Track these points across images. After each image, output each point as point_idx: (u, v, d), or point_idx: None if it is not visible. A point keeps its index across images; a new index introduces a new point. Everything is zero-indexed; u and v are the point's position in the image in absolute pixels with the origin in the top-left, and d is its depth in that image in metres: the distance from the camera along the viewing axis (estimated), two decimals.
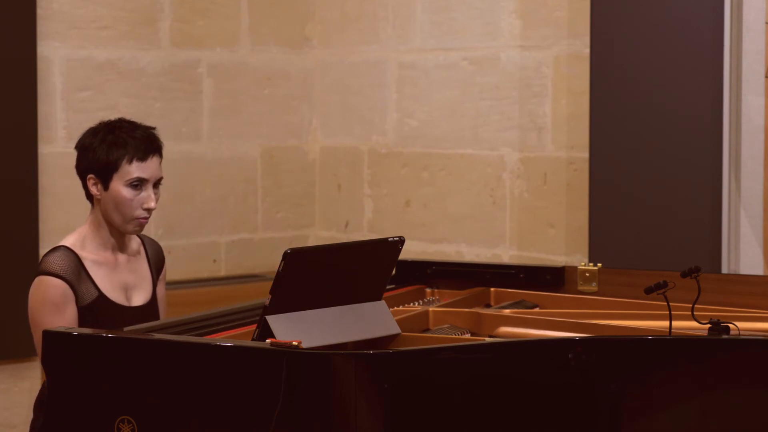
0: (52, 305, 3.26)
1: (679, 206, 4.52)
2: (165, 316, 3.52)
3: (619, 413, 2.74)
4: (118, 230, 3.38)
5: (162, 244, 3.71)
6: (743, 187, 4.36)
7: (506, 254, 5.26)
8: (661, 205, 4.56)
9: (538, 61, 5.13)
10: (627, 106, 4.62)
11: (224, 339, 2.94)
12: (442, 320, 3.37)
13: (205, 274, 5.56)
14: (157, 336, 2.85)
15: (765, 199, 4.33)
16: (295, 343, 2.58)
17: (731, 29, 4.35)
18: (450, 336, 3.23)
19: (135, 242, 3.49)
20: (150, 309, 3.44)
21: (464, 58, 5.37)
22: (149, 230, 5.20)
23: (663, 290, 2.93)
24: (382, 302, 3.10)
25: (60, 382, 2.78)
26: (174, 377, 2.70)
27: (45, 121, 5.07)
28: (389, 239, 3.06)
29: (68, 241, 3.36)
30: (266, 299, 2.86)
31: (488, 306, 3.63)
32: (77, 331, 2.90)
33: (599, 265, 3.65)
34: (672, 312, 2.94)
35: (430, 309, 3.40)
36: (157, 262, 3.53)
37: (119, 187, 3.32)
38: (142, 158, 3.32)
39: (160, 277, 3.54)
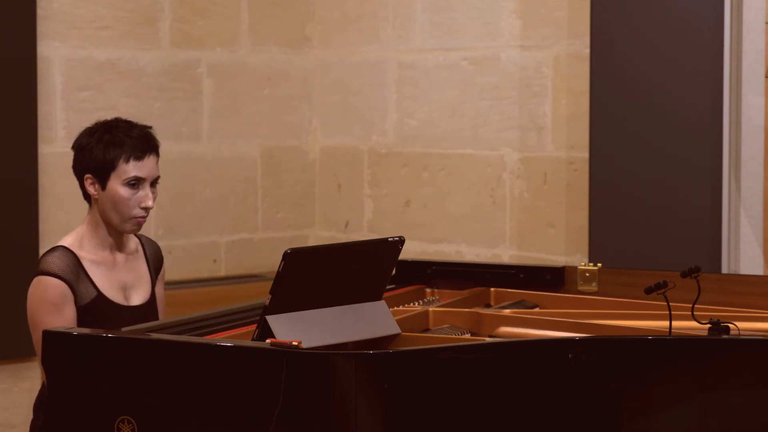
0: (50, 305, 3.26)
1: (679, 206, 4.52)
2: (164, 316, 3.52)
3: (619, 413, 2.74)
4: (116, 230, 3.38)
5: (162, 244, 3.71)
6: (743, 187, 4.36)
7: (506, 254, 5.26)
8: (661, 205, 4.56)
9: (538, 61, 5.13)
10: (627, 106, 4.62)
11: (224, 339, 2.94)
12: (442, 320, 3.37)
13: (205, 274, 5.56)
14: (157, 336, 2.85)
15: (765, 199, 4.33)
16: (295, 343, 2.58)
17: (731, 29, 4.35)
18: (450, 336, 3.23)
19: (133, 242, 3.49)
20: (149, 308, 3.44)
21: (464, 58, 5.37)
22: (149, 230, 5.21)
23: (663, 290, 2.93)
24: (382, 302, 3.10)
25: (60, 382, 2.78)
26: (174, 377, 2.70)
27: (45, 121, 5.07)
28: (389, 239, 3.06)
29: (66, 241, 3.36)
30: (266, 299, 2.86)
31: (488, 306, 3.63)
32: (77, 331, 2.89)
33: (599, 265, 3.65)
34: (672, 312, 2.94)
35: (430, 309, 3.40)
36: (155, 261, 3.53)
37: (116, 186, 3.32)
38: (139, 157, 3.32)
39: (159, 276, 3.54)
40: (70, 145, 3.41)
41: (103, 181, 3.32)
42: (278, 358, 2.57)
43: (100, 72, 5.22)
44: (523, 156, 5.21)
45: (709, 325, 2.91)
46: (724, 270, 4.36)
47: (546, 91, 5.13)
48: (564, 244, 5.09)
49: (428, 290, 3.75)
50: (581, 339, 2.83)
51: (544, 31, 5.11)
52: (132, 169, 3.32)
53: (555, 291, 3.65)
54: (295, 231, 5.85)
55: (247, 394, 2.60)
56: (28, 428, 3.47)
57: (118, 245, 3.42)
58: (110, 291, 3.36)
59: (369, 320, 3.03)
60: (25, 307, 3.32)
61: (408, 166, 5.57)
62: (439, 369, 2.65)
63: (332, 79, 5.80)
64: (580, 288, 3.64)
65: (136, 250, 3.49)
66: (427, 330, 3.33)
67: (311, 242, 5.85)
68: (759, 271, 4.33)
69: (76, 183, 3.42)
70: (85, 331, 2.93)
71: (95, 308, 3.31)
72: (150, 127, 3.41)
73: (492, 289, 3.69)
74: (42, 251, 4.85)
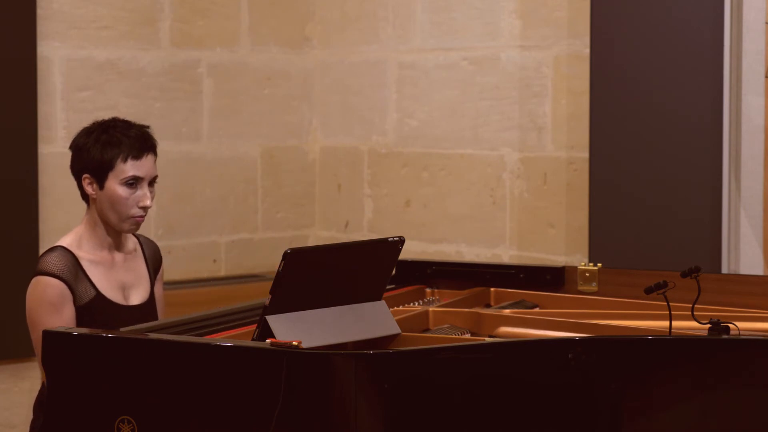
0: (49, 305, 3.26)
1: (679, 206, 4.52)
2: (163, 315, 3.52)
3: (619, 413, 2.74)
4: (114, 229, 3.38)
5: (162, 244, 3.71)
6: (743, 187, 4.36)
7: (506, 254, 5.26)
8: (661, 205, 4.56)
9: (538, 61, 5.13)
10: (627, 106, 4.62)
11: (224, 339, 2.94)
12: (442, 320, 3.37)
13: (205, 274, 5.56)
14: (157, 336, 2.85)
15: (765, 199, 4.33)
16: (295, 343, 2.58)
17: (731, 29, 4.35)
18: (450, 336, 3.23)
19: (131, 241, 3.49)
20: (148, 308, 3.44)
21: (464, 58, 5.37)
22: (149, 230, 5.21)
23: (663, 290, 2.93)
24: (382, 302, 3.09)
25: (60, 382, 2.78)
26: (174, 377, 2.70)
27: (45, 121, 5.07)
28: (389, 239, 3.06)
29: (65, 242, 3.36)
30: (266, 299, 2.86)
31: (488, 306, 3.63)
32: (77, 331, 2.89)
33: (599, 265, 3.65)
34: (672, 312, 2.94)
35: (430, 309, 3.40)
36: (154, 261, 3.53)
37: (114, 186, 3.32)
38: (137, 156, 3.32)
39: (158, 276, 3.54)
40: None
41: (101, 180, 3.32)
42: (278, 358, 2.57)
43: (100, 72, 5.22)
44: (523, 156, 5.21)
45: (709, 325, 2.91)
46: (724, 270, 4.36)
47: (546, 91, 5.13)
48: (564, 244, 5.09)
49: (428, 290, 3.75)
50: (581, 339, 2.83)
51: (544, 31, 5.11)
52: (130, 168, 3.32)
53: (555, 291, 3.65)
54: (295, 231, 5.85)
55: (247, 394, 2.60)
56: (28, 428, 3.47)
57: (117, 245, 3.42)
58: (109, 291, 3.36)
59: (369, 320, 3.03)
60: (24, 307, 3.32)
61: (408, 166, 5.57)
62: (439, 369, 2.65)
63: (332, 79, 5.80)
64: (580, 288, 3.64)
65: (135, 250, 3.49)
66: (427, 330, 3.33)
67: (311, 242, 5.85)
68: (759, 271, 4.33)
69: (75, 183, 3.42)
70: (85, 331, 2.92)
71: (94, 308, 3.31)
72: (147, 127, 3.41)
73: (492, 289, 3.69)
74: (42, 251, 4.85)
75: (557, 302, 3.59)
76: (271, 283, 2.86)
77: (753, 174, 4.35)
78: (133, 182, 3.32)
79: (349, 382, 2.55)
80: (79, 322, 3.29)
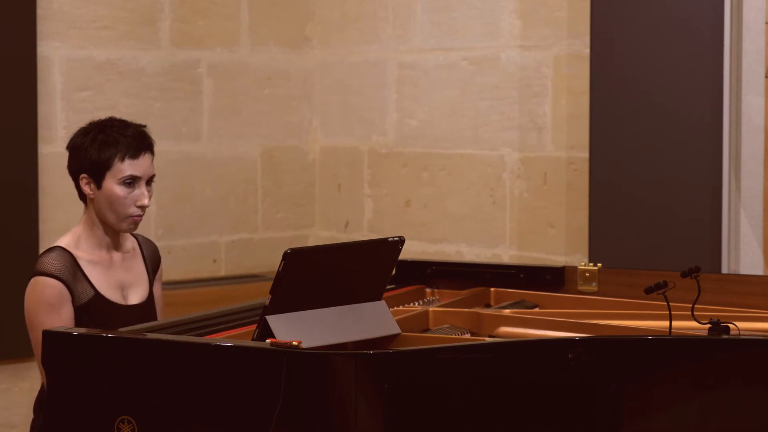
0: (48, 305, 3.26)
1: (679, 206, 4.52)
2: (162, 315, 3.52)
3: (619, 413, 2.74)
4: (112, 229, 3.38)
5: (162, 244, 3.71)
6: (743, 187, 4.36)
7: (506, 254, 5.26)
8: (661, 205, 4.56)
9: (538, 61, 5.13)
10: (627, 106, 4.62)
11: (224, 339, 2.94)
12: (442, 320, 3.37)
13: (205, 274, 5.56)
14: (157, 336, 2.85)
15: (765, 199, 4.33)
16: (295, 343, 2.58)
17: (731, 29, 4.35)
18: (450, 336, 3.23)
19: (130, 241, 3.49)
20: (147, 308, 3.44)
21: (464, 58, 5.37)
22: (149, 230, 5.21)
23: (663, 290, 2.93)
24: (382, 302, 3.09)
25: (60, 382, 2.78)
26: (174, 377, 2.70)
27: (45, 121, 5.07)
28: (389, 239, 3.06)
29: (63, 242, 3.36)
30: (266, 299, 2.86)
31: (488, 306, 3.63)
32: (77, 331, 2.89)
33: (599, 265, 3.65)
34: (672, 312, 2.94)
35: (430, 309, 3.40)
36: (153, 261, 3.53)
37: (112, 185, 3.31)
38: (134, 156, 3.32)
39: (157, 276, 3.54)
40: None
41: (98, 180, 3.32)
42: (278, 358, 2.57)
43: (100, 72, 5.22)
44: (523, 156, 5.21)
45: (709, 325, 2.91)
46: (724, 270, 4.36)
47: (546, 91, 5.13)
48: (564, 244, 5.09)
49: (428, 290, 3.75)
50: (581, 339, 2.83)
51: (544, 31, 5.11)
52: (127, 167, 3.32)
53: (555, 291, 3.65)
54: (295, 231, 5.85)
55: (247, 394, 2.60)
56: (28, 428, 3.47)
57: (115, 245, 3.42)
58: (108, 290, 3.36)
59: (369, 320, 3.03)
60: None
61: (408, 166, 5.57)
62: (439, 369, 2.65)
63: (332, 79, 5.80)
64: (580, 288, 3.64)
65: (133, 249, 3.49)
66: (427, 330, 3.33)
67: (311, 242, 5.85)
68: (759, 271, 4.33)
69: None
70: (86, 331, 2.92)
71: (93, 308, 3.31)
72: (144, 126, 3.41)
73: (492, 289, 3.69)
74: (42, 251, 4.85)
75: (557, 302, 3.59)
76: (271, 283, 2.86)
77: (753, 174, 4.35)
78: (130, 181, 3.32)
79: (349, 382, 2.55)
80: (78, 322, 3.29)
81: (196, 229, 5.53)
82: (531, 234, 5.19)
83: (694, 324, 2.98)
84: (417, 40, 5.51)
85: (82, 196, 3.38)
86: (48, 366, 2.80)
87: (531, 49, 5.16)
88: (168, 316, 3.33)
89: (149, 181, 3.37)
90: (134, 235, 3.51)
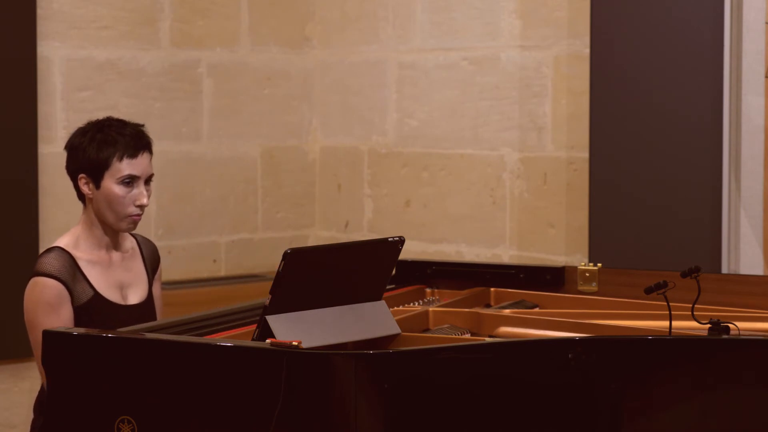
0: (47, 306, 3.26)
1: (679, 206, 4.52)
2: (161, 315, 3.52)
3: (619, 413, 2.74)
4: (111, 229, 3.38)
5: (162, 244, 3.71)
6: (743, 187, 4.36)
7: (506, 254, 5.26)
8: (661, 205, 4.56)
9: (538, 61, 5.13)
10: (627, 106, 4.62)
11: (224, 339, 2.94)
12: (442, 320, 3.37)
13: (205, 274, 5.56)
14: (157, 336, 2.85)
15: (765, 199, 4.33)
16: (295, 343, 2.58)
17: (731, 29, 4.35)
18: (450, 336, 3.23)
19: (129, 241, 3.49)
20: (146, 307, 3.44)
21: (464, 58, 5.37)
22: (149, 230, 5.21)
23: (663, 290, 2.93)
24: (382, 302, 3.09)
25: (60, 383, 2.78)
26: (174, 377, 2.70)
27: (45, 121, 5.07)
28: (389, 239, 3.06)
29: (62, 242, 3.36)
30: (266, 299, 2.86)
31: (488, 306, 3.63)
32: (77, 331, 2.89)
33: (599, 265, 3.65)
34: (672, 312, 2.94)
35: (430, 309, 3.40)
36: (152, 261, 3.53)
37: (111, 185, 3.32)
38: (133, 155, 3.32)
39: (156, 276, 3.54)
40: None
41: (97, 180, 3.32)
42: (278, 358, 2.57)
43: (100, 72, 5.22)
44: (523, 156, 5.21)
45: (709, 325, 2.91)
46: (724, 270, 4.36)
47: (546, 91, 5.13)
48: (564, 244, 5.09)
49: (428, 290, 3.75)
50: (581, 339, 2.83)
51: (544, 31, 5.11)
52: (126, 167, 3.32)
53: (555, 291, 3.65)
54: (295, 231, 5.85)
55: (247, 394, 2.60)
56: (28, 428, 3.47)
57: (114, 244, 3.42)
58: (107, 290, 3.36)
59: (369, 320, 3.03)
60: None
61: (408, 166, 5.57)
62: (439, 369, 2.65)
63: (332, 79, 5.80)
64: (580, 288, 3.64)
65: (132, 249, 3.49)
66: (427, 330, 3.33)
67: (311, 242, 5.85)
68: (759, 271, 4.33)
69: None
70: (85, 331, 2.92)
71: (92, 308, 3.31)
72: (142, 125, 3.41)
73: (492, 289, 3.69)
74: (41, 251, 4.85)
75: (557, 302, 3.59)
76: (271, 283, 2.86)
77: (753, 174, 4.35)
78: (129, 181, 3.33)
79: (349, 382, 2.55)
80: (77, 322, 3.29)
81: (196, 229, 5.53)
82: (531, 234, 5.19)
83: (694, 324, 2.98)
84: (417, 40, 5.51)
85: (81, 196, 3.38)
86: (48, 366, 2.80)
87: (531, 49, 5.16)
88: (168, 316, 3.33)
89: (148, 181, 3.37)
90: (133, 235, 3.51)
